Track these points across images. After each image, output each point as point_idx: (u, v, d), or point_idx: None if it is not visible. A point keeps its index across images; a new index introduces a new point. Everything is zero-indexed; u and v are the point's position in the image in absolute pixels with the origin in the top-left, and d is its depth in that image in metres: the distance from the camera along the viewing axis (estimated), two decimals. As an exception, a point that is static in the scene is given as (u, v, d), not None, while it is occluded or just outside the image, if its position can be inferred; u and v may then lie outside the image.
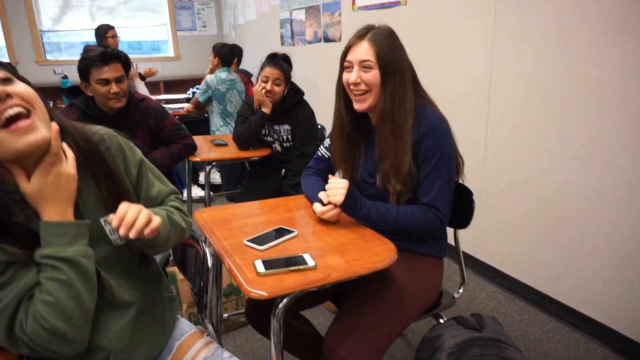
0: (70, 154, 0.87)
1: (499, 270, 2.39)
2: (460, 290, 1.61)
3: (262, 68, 2.44)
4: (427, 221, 1.33)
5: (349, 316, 1.29)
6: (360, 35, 1.34)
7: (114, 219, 0.85)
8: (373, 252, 1.19)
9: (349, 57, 1.35)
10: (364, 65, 1.31)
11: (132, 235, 0.84)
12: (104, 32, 4.26)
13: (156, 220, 0.89)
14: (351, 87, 1.35)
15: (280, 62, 2.42)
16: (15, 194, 0.82)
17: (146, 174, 1.04)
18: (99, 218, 0.92)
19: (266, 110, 2.43)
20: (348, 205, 1.33)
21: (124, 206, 0.87)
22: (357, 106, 1.37)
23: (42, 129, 0.80)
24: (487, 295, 2.32)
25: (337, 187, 1.33)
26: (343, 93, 1.41)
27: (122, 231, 0.84)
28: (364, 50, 1.31)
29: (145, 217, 0.87)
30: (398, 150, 1.32)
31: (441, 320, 1.49)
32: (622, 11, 1.66)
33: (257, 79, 2.46)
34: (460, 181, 1.50)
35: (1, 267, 0.79)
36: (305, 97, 2.55)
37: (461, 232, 1.59)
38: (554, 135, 1.98)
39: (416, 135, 1.33)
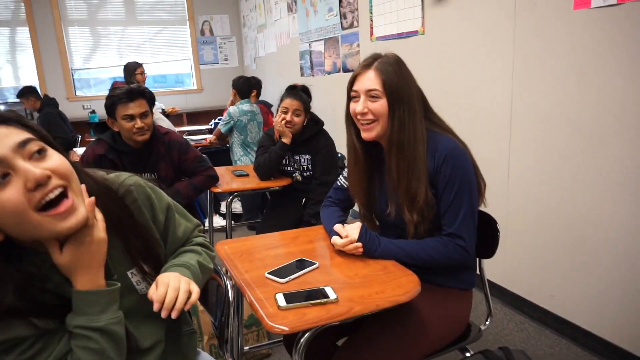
0: (99, 215, 0.84)
1: (528, 300, 2.31)
2: (487, 322, 1.56)
3: (281, 99, 2.48)
4: (451, 252, 1.30)
5: (361, 339, 1.27)
6: (367, 65, 1.32)
7: (154, 303, 0.84)
8: (396, 285, 1.17)
9: (355, 87, 1.34)
10: (371, 95, 1.30)
11: (174, 315, 0.84)
12: (133, 69, 4.47)
13: (195, 293, 0.88)
14: (358, 117, 1.34)
15: (299, 93, 2.47)
16: (47, 261, 0.81)
17: (173, 218, 1.03)
18: (126, 272, 0.92)
19: (286, 140, 2.46)
20: (365, 245, 1.31)
21: (161, 288, 0.85)
22: (365, 135, 1.35)
23: (81, 208, 0.78)
24: (515, 327, 2.23)
25: (351, 232, 1.34)
26: (352, 122, 1.40)
27: (163, 314, 0.84)
28: (370, 80, 1.30)
29: (184, 294, 0.86)
30: (411, 180, 1.29)
31: (467, 354, 1.44)
32: (644, 35, 1.64)
33: (277, 110, 2.50)
34: (483, 206, 1.47)
35: (32, 340, 0.79)
36: (324, 127, 2.58)
37: (487, 261, 1.55)
38: (583, 163, 1.94)
39: (432, 165, 1.30)
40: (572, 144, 1.96)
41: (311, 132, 2.50)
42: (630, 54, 1.70)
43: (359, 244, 1.32)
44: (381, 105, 1.29)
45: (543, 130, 2.10)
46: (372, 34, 3.39)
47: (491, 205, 1.50)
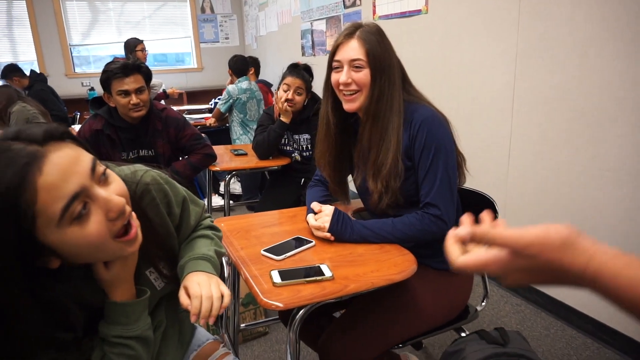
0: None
1: (524, 282, 2.31)
2: (483, 304, 1.56)
3: (283, 77, 2.45)
4: (428, 226, 1.25)
5: (353, 315, 1.28)
6: (349, 34, 1.27)
7: (191, 315, 0.83)
8: (392, 264, 1.17)
9: (338, 57, 1.29)
10: (355, 65, 1.26)
11: (211, 322, 0.85)
12: (133, 45, 4.39)
13: (227, 296, 0.88)
14: (341, 87, 1.29)
15: (301, 71, 2.43)
16: (79, 275, 0.81)
17: (188, 209, 1.02)
18: (145, 272, 0.91)
19: (285, 119, 2.44)
20: (336, 232, 1.28)
21: (195, 301, 0.84)
22: (347, 106, 1.31)
23: (139, 231, 0.78)
24: (511, 309, 2.24)
25: (322, 216, 1.31)
26: (332, 94, 1.36)
27: (201, 322, 0.85)
28: (354, 50, 1.25)
29: (218, 301, 0.86)
30: (381, 150, 1.26)
31: (463, 334, 1.44)
32: (652, 15, 1.61)
33: (279, 87, 2.47)
34: (466, 182, 1.44)
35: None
36: None
37: (484, 244, 1.54)
38: (583, 147, 1.92)
39: (408, 134, 1.27)
40: (573, 128, 1.94)
41: (311, 111, 2.48)
42: (632, 38, 1.66)
43: (328, 234, 1.28)
44: (365, 75, 1.26)
45: (544, 113, 2.07)
46: (374, 12, 3.33)
47: (490, 187, 1.49)
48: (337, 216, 1.28)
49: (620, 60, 1.73)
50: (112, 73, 1.98)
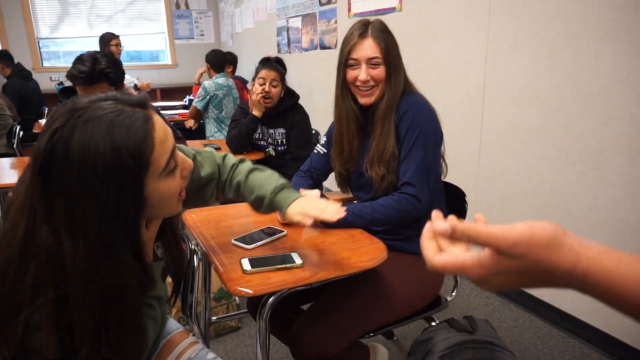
0: None
1: (494, 276, 2.36)
2: (453, 294, 1.59)
3: (257, 72, 2.43)
4: (404, 205, 1.31)
5: (324, 304, 1.29)
6: (362, 33, 1.36)
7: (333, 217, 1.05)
8: (363, 252, 1.17)
9: (354, 55, 1.36)
10: (372, 62, 1.34)
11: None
12: (108, 40, 4.29)
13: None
14: (358, 83, 1.37)
15: (274, 64, 2.42)
16: None
17: (199, 163, 1.10)
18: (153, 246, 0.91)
19: (257, 113, 2.43)
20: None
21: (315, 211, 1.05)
22: (364, 100, 1.39)
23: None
24: (481, 301, 2.29)
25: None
26: (348, 90, 1.42)
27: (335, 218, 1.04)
28: (371, 48, 1.34)
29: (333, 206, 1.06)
30: (381, 136, 1.35)
31: (433, 324, 1.46)
32: (620, 17, 1.66)
33: (253, 82, 2.45)
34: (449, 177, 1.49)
35: None
36: (301, 103, 2.55)
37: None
38: (550, 142, 1.97)
39: (397, 116, 1.36)
40: (542, 123, 1.99)
41: (287, 105, 2.47)
42: (598, 35, 1.72)
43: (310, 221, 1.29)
44: (381, 71, 1.35)
45: (514, 109, 2.12)
46: (349, 10, 3.34)
47: (462, 181, 1.52)
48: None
49: (586, 57, 1.79)
50: (75, 79, 1.84)
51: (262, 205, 1.14)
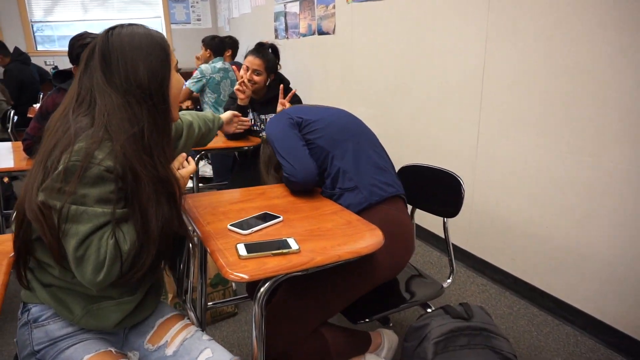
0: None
1: (490, 263, 2.37)
2: (449, 280, 1.59)
3: (245, 57, 2.41)
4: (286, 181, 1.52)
5: (280, 296, 1.34)
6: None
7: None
8: (359, 237, 1.17)
9: None
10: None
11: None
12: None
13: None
14: None
15: (263, 51, 2.38)
16: None
17: None
18: None
19: (240, 102, 2.41)
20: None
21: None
22: None
23: None
24: (477, 288, 2.30)
25: None
26: None
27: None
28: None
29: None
30: None
31: (429, 310, 1.47)
32: (619, 4, 1.64)
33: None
34: (438, 163, 1.48)
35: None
36: (298, 89, 2.52)
37: (453, 226, 1.56)
38: (548, 130, 1.96)
39: None
40: (540, 110, 1.98)
41: (275, 91, 2.44)
42: (598, 21, 1.70)
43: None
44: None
45: (512, 97, 2.10)
46: (348, -5, 3.29)
47: (459, 168, 1.51)
48: None
49: (586, 43, 1.77)
50: (81, 49, 1.88)
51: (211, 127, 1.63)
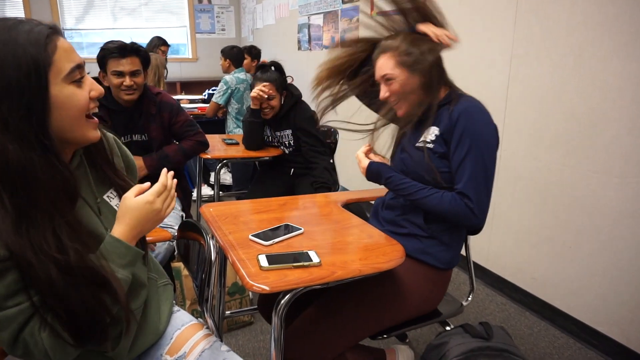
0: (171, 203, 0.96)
1: (510, 282, 2.33)
2: (469, 298, 1.57)
3: (252, 84, 2.45)
4: (456, 208, 1.25)
5: (309, 316, 1.28)
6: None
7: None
8: (380, 253, 1.17)
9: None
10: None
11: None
12: (156, 44, 4.39)
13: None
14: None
15: (268, 74, 2.41)
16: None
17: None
18: (103, 196, 0.97)
19: (253, 106, 2.44)
20: (375, 168, 1.41)
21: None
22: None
23: (100, 127, 1.00)
24: (496, 307, 2.26)
25: (371, 155, 1.48)
26: None
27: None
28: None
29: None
30: None
31: (447, 328, 1.45)
32: (647, 19, 1.62)
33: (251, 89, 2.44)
34: None
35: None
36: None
37: (474, 243, 1.54)
38: (574, 149, 1.93)
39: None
40: (566, 129, 1.95)
41: (288, 105, 2.45)
42: (628, 39, 1.67)
43: (364, 165, 1.43)
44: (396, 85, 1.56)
45: (537, 115, 2.08)
46: (372, 8, 3.32)
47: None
48: (378, 164, 1.42)
49: (615, 62, 1.74)
50: (108, 52, 1.96)
51: None
